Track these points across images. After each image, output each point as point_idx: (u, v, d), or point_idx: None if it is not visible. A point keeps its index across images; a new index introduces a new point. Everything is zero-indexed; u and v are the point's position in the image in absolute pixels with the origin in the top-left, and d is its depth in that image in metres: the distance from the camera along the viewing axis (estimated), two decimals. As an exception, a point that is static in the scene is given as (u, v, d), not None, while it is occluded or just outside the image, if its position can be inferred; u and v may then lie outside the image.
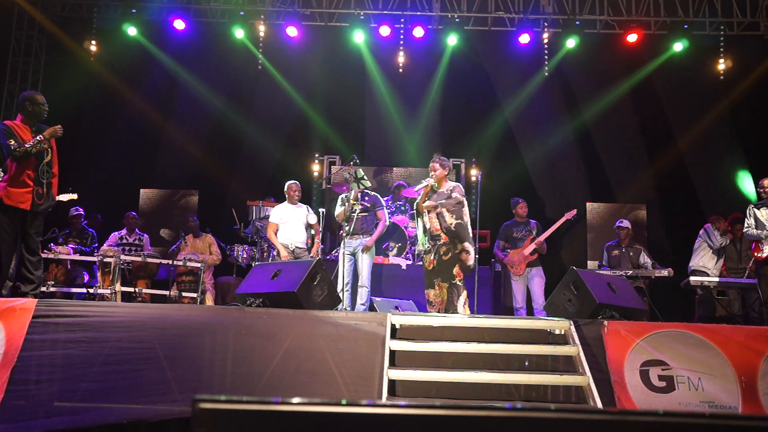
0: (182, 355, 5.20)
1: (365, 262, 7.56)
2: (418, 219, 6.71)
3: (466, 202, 6.63)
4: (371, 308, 7.61)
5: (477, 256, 7.38)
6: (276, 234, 8.06)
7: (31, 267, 6.04)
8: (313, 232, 8.24)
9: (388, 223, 7.95)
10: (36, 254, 6.13)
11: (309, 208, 8.27)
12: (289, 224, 8.08)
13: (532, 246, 8.33)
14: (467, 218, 6.54)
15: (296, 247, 7.99)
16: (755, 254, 7.20)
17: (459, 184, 6.84)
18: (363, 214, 7.66)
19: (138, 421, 4.94)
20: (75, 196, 6.73)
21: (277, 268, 6.22)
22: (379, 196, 8.07)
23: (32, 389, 4.97)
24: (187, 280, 8.68)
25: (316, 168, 11.16)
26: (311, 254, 7.86)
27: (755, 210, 7.29)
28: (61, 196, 6.48)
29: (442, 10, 11.05)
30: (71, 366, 5.08)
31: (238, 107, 11.42)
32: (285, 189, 8.27)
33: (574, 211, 8.63)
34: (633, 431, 1.25)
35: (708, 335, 5.33)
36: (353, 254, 7.58)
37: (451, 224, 6.43)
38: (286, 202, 8.23)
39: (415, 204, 6.82)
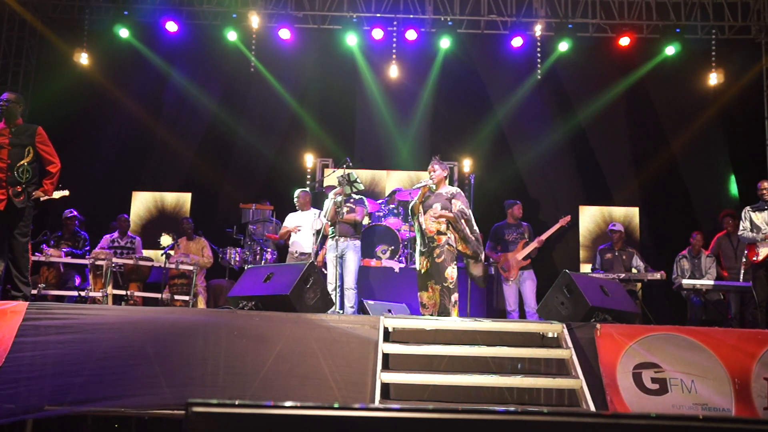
0: (174, 358, 5.18)
1: (352, 264, 7.58)
2: (414, 220, 6.71)
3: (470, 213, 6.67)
4: (362, 311, 7.61)
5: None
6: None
7: (18, 271, 6.00)
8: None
9: (360, 219, 7.91)
10: (23, 257, 6.07)
11: (319, 212, 8.30)
12: (300, 230, 8.25)
13: (526, 251, 8.33)
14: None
15: (300, 253, 8.10)
16: (751, 258, 7.20)
17: (460, 191, 6.82)
18: (350, 215, 7.69)
19: (130, 419, 4.93)
20: (66, 193, 6.69)
21: (269, 271, 6.21)
22: (364, 198, 8.14)
23: (23, 393, 4.93)
24: (180, 283, 8.65)
25: (309, 171, 11.14)
26: (317, 260, 7.86)
27: (751, 213, 7.29)
28: (53, 193, 6.44)
29: (435, 13, 11.06)
30: (62, 372, 5.05)
31: (230, 109, 11.39)
32: (295, 198, 8.57)
33: (569, 218, 8.64)
34: (626, 434, 1.25)
35: (700, 338, 5.35)
36: (340, 256, 7.58)
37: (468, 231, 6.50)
38: (299, 211, 8.39)
39: (410, 206, 6.81)
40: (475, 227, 6.65)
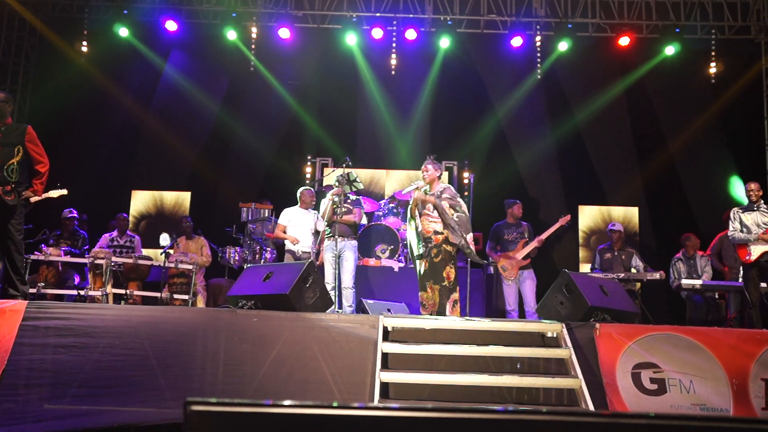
0: (173, 357, 5.18)
1: (350, 264, 7.58)
2: (410, 222, 6.71)
3: (460, 200, 6.66)
4: (361, 310, 7.61)
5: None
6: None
7: (15, 269, 5.99)
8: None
9: (358, 221, 7.92)
10: (19, 254, 6.06)
11: (318, 214, 8.28)
12: (297, 228, 8.21)
13: (526, 251, 8.32)
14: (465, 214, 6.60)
15: (302, 252, 8.07)
16: (743, 258, 7.23)
17: (450, 186, 6.86)
18: (347, 216, 7.69)
19: (129, 426, 4.92)
20: (65, 192, 6.67)
21: (269, 270, 6.20)
22: (361, 199, 8.15)
23: (22, 393, 4.94)
24: (179, 282, 8.65)
25: (308, 170, 11.13)
26: (318, 261, 7.83)
27: (740, 214, 7.33)
28: (50, 192, 6.44)
29: (435, 13, 11.07)
30: (62, 370, 5.05)
31: (230, 108, 11.40)
32: (299, 194, 8.38)
33: (568, 217, 8.64)
34: (625, 434, 1.25)
35: (699, 338, 5.35)
36: (338, 256, 7.57)
37: (453, 215, 6.46)
38: (297, 206, 8.35)
39: (409, 209, 6.81)
40: (464, 207, 6.62)
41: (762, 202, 7.30)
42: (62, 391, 4.96)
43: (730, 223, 7.38)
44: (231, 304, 6.07)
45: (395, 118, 11.48)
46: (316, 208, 8.34)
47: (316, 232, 8.18)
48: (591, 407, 4.80)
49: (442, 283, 6.38)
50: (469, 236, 6.54)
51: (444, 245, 6.46)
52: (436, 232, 6.49)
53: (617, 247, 8.88)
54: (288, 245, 8.23)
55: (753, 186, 7.38)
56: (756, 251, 7.09)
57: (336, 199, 7.52)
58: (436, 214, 6.53)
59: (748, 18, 10.82)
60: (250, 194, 10.31)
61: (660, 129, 11.30)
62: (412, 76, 11.51)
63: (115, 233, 9.24)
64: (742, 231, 7.23)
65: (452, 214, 6.48)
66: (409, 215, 6.75)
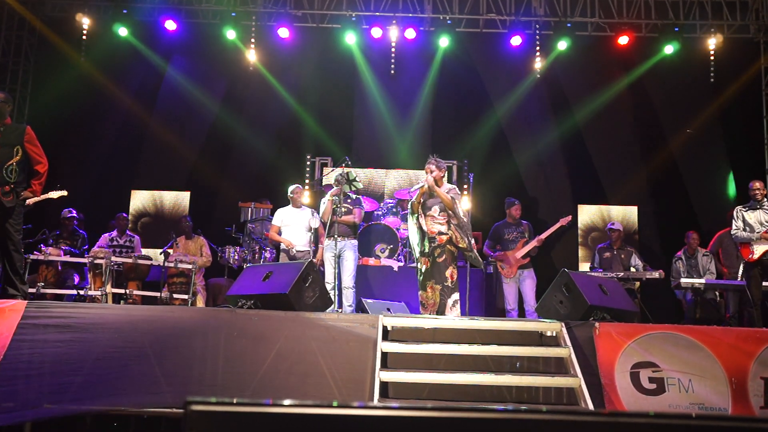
0: (173, 357, 5.18)
1: (350, 264, 7.57)
2: (412, 219, 6.69)
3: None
4: (361, 309, 7.61)
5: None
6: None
7: (14, 269, 6.00)
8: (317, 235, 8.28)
9: (358, 221, 7.92)
10: (18, 254, 6.06)
11: (314, 212, 8.26)
12: (291, 227, 8.18)
13: (525, 249, 8.33)
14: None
15: (297, 250, 8.06)
16: (746, 257, 7.23)
17: (455, 186, 6.86)
18: (347, 216, 7.68)
19: (127, 418, 4.93)
20: (65, 193, 6.69)
21: (268, 270, 6.21)
22: (361, 199, 8.14)
23: (21, 388, 4.94)
24: (178, 282, 8.65)
25: (307, 169, 11.13)
26: (315, 259, 7.82)
27: (743, 212, 7.33)
28: (50, 193, 6.44)
29: (434, 12, 11.07)
30: (60, 368, 5.05)
31: (229, 108, 11.38)
32: (289, 192, 8.34)
33: (569, 217, 8.63)
34: (624, 433, 1.25)
35: (699, 337, 5.35)
36: (338, 256, 7.57)
37: (465, 212, 6.49)
38: (290, 206, 8.33)
39: (409, 204, 6.80)
40: (463, 209, 6.68)
41: (765, 200, 7.30)
42: (61, 391, 4.96)
43: (733, 221, 7.38)
44: (230, 304, 6.07)
45: (394, 118, 11.47)
46: (317, 206, 8.34)
47: (314, 230, 8.17)
48: (590, 406, 4.80)
49: (444, 283, 6.38)
50: (472, 240, 6.59)
51: (448, 245, 6.47)
52: (440, 233, 6.49)
53: (616, 246, 8.88)
54: (283, 245, 8.23)
55: (758, 185, 7.37)
56: (759, 250, 7.10)
57: (335, 198, 7.52)
58: (441, 216, 6.53)
59: (747, 17, 10.83)
60: (250, 194, 10.30)
61: (660, 128, 11.30)
62: (412, 76, 11.50)
63: (114, 233, 9.23)
64: (745, 230, 7.24)
65: (466, 210, 6.52)
66: (410, 209, 6.73)
